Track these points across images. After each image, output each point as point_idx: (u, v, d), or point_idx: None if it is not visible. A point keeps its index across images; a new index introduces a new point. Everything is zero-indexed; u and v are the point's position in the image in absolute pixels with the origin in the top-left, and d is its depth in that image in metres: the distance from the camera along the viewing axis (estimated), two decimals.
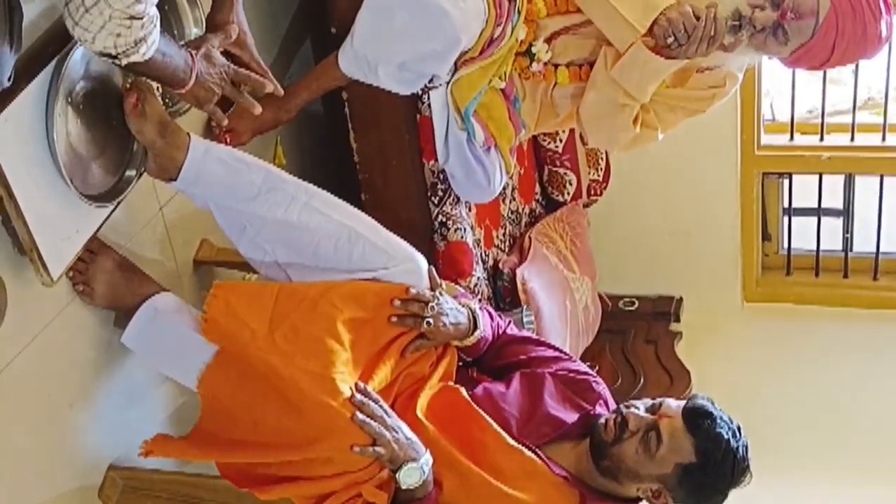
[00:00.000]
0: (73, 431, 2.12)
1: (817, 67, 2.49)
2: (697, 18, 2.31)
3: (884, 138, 3.49)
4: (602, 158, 3.36)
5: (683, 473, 1.99)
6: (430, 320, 2.06)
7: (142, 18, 1.59)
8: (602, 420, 2.05)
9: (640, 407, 2.04)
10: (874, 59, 2.52)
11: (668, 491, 2.01)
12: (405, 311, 2.06)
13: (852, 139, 3.51)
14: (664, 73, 2.47)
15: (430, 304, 2.07)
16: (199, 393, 1.98)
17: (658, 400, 2.05)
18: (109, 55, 1.63)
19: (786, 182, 3.66)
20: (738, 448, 1.99)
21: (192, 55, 1.85)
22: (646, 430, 2.00)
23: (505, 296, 2.96)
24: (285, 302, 1.99)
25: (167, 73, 1.80)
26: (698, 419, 1.99)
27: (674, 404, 2.03)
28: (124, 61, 1.64)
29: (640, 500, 2.07)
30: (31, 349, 1.96)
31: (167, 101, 2.15)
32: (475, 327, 2.15)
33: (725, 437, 1.98)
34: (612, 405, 2.17)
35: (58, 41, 1.81)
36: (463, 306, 2.16)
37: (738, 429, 2.02)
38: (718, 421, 1.99)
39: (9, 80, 1.62)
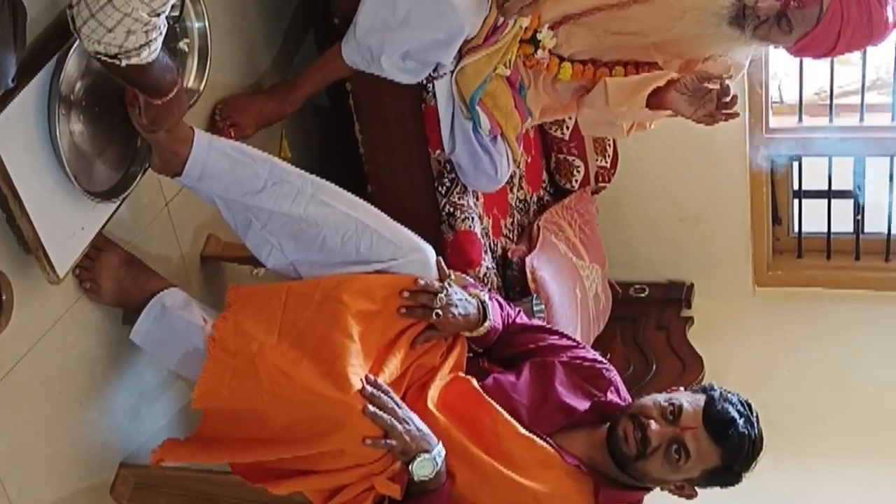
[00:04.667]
0: (83, 429, 2.11)
1: (823, 55, 2.47)
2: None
3: (893, 118, 3.46)
4: (609, 145, 3.34)
5: (709, 475, 2.01)
6: (440, 311, 2.05)
7: (158, 17, 1.57)
8: (620, 432, 2.01)
9: (653, 411, 2.00)
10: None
11: (692, 486, 2.04)
12: (414, 303, 2.05)
13: (861, 120, 3.48)
14: (662, 116, 2.57)
15: (439, 295, 2.06)
16: (194, 401, 1.96)
17: (672, 400, 2.01)
18: (110, 55, 1.59)
19: (795, 165, 3.63)
20: (757, 435, 2.00)
21: (179, 71, 1.85)
22: (669, 443, 1.98)
23: (514, 285, 2.94)
24: (293, 307, 1.98)
25: (153, 81, 1.76)
26: (722, 428, 1.97)
27: (691, 409, 1.99)
28: (124, 62, 1.60)
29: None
30: (39, 347, 1.96)
31: None
32: (485, 318, 2.14)
33: (747, 434, 1.98)
34: (624, 392, 2.17)
35: (59, 38, 1.81)
36: (472, 296, 2.15)
37: (749, 407, 2.02)
38: (740, 422, 1.97)
39: (13, 81, 1.61)
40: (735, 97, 2.41)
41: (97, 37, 1.56)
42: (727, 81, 2.41)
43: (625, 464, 2.01)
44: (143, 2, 1.52)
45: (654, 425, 1.99)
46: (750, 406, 2.03)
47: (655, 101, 2.51)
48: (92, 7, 1.53)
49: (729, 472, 2.00)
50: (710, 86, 2.40)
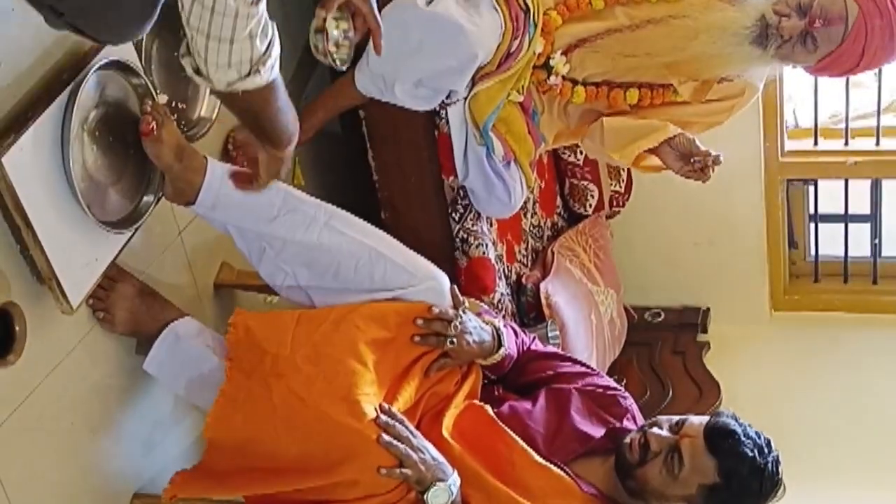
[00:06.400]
0: (96, 460, 2.10)
1: (842, 74, 2.46)
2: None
3: None
4: (623, 170, 3.34)
5: (708, 494, 1.96)
6: (454, 339, 2.04)
7: (259, 4, 1.35)
8: (627, 440, 2.02)
9: (663, 426, 2.01)
10: None
11: None
12: (428, 330, 2.04)
13: (877, 143, 3.46)
14: (650, 167, 2.64)
15: (454, 323, 2.05)
16: (206, 429, 1.95)
17: (682, 418, 2.02)
18: (244, 75, 1.43)
19: (811, 188, 3.61)
20: (765, 465, 1.96)
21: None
22: (668, 451, 1.97)
23: (529, 311, 2.93)
24: (306, 325, 1.97)
25: (279, 118, 1.61)
26: (719, 439, 1.95)
27: (696, 422, 2.00)
28: (264, 77, 1.42)
29: None
30: (52, 378, 1.95)
31: (182, 125, 2.14)
32: (499, 345, 2.13)
33: (749, 455, 1.94)
34: (640, 420, 2.15)
35: (72, 68, 1.81)
36: (487, 324, 2.14)
37: (768, 444, 1.99)
38: (742, 439, 1.95)
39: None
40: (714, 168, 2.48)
41: (223, 60, 1.38)
42: (720, 156, 2.44)
43: (627, 472, 1.99)
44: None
45: (656, 430, 1.99)
46: (769, 442, 2.00)
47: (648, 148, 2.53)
48: (203, 32, 1.37)
49: (728, 492, 1.95)
50: (701, 153, 2.44)
